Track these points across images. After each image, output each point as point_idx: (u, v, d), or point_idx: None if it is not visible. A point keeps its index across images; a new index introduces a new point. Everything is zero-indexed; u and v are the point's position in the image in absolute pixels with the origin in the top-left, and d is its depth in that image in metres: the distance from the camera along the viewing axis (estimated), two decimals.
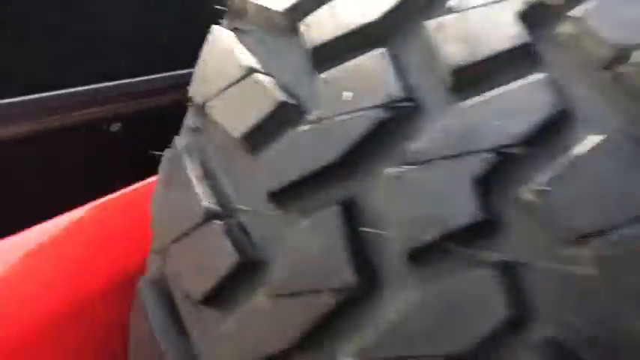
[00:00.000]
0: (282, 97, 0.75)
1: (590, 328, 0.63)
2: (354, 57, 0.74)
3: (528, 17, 0.69)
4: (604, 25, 0.67)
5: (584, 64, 0.68)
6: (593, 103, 0.67)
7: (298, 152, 0.73)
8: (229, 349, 0.74)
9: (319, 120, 0.73)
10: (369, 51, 0.74)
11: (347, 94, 0.72)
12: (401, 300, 0.67)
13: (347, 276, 0.68)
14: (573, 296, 0.64)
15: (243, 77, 0.78)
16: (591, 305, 0.63)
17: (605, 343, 0.63)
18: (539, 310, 0.64)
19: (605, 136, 0.64)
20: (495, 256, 0.65)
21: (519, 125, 0.66)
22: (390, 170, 0.69)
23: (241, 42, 0.82)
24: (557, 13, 0.69)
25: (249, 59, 0.79)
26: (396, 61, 0.73)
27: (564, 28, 0.69)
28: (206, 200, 0.76)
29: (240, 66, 0.79)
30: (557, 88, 0.66)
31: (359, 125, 0.70)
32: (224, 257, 0.73)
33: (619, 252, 0.63)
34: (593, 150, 0.64)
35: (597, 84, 0.67)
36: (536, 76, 0.67)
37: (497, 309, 0.64)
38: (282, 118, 0.75)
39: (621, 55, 0.66)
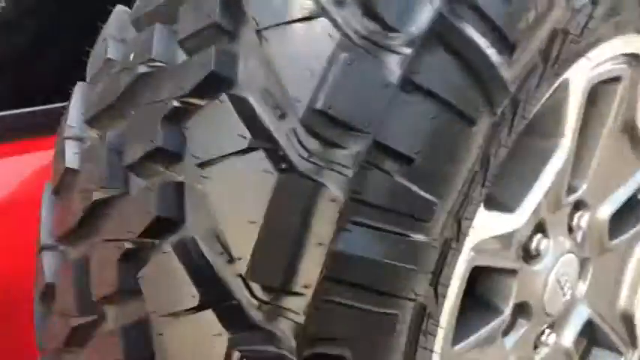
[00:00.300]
0: (111, 54, 1.06)
1: (204, 231, 0.88)
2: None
3: (229, 2, 0.93)
4: (253, 6, 0.89)
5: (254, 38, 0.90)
6: (251, 71, 0.89)
7: (103, 92, 1.03)
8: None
9: (117, 71, 1.03)
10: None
11: (132, 55, 1.01)
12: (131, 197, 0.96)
13: (103, 182, 0.98)
14: (202, 207, 0.89)
15: (101, 40, 1.10)
16: (200, 210, 0.89)
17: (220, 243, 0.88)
18: (185, 218, 0.90)
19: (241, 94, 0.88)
20: (168, 178, 0.92)
21: (188, 81, 0.91)
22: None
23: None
24: None
25: (111, 29, 1.10)
26: (171, 32, 0.99)
27: None
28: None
29: (102, 34, 1.10)
30: (223, 55, 0.90)
31: (128, 76, 0.99)
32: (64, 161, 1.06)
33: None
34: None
35: (260, 56, 0.89)
36: (212, 47, 0.91)
37: (151, 212, 0.90)
38: (108, 69, 1.05)
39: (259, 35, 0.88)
